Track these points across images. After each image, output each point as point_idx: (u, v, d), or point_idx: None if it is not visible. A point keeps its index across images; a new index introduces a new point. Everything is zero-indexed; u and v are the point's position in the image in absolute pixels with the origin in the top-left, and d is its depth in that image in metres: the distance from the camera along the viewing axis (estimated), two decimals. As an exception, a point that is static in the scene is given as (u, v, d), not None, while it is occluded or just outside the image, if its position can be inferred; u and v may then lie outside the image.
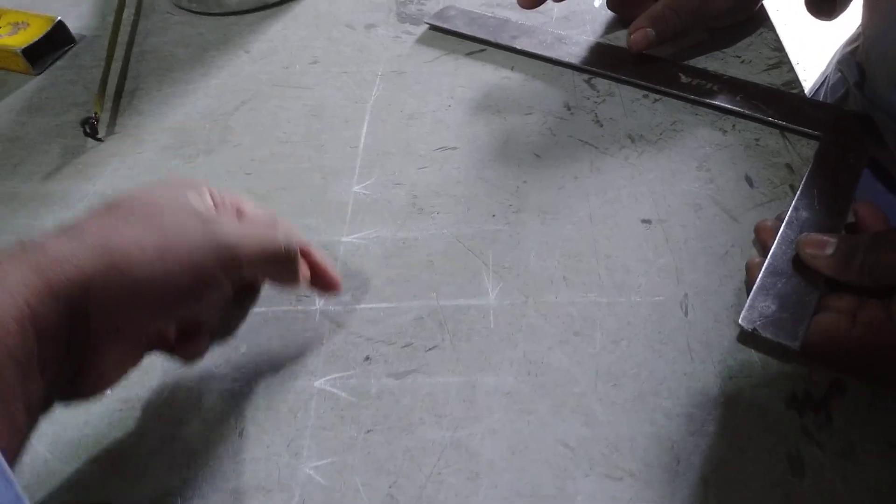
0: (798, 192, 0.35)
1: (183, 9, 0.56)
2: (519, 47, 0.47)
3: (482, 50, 0.48)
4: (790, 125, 0.40)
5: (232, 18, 0.54)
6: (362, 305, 0.35)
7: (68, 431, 0.32)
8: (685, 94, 0.42)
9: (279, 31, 0.52)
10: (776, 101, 0.42)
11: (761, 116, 0.40)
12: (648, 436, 0.28)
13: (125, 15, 0.55)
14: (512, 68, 0.46)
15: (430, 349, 0.32)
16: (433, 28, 0.50)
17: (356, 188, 0.40)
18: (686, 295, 0.33)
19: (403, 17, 0.52)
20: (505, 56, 0.48)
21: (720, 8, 0.44)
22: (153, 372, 0.33)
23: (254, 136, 0.44)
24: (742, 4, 0.46)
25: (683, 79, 0.44)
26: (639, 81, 0.44)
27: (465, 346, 0.32)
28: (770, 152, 0.39)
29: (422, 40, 0.50)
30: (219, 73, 0.49)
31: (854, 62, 0.48)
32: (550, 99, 0.44)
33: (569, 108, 0.43)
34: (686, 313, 0.32)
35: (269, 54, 0.50)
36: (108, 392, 0.32)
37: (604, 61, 0.46)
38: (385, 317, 0.34)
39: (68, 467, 0.31)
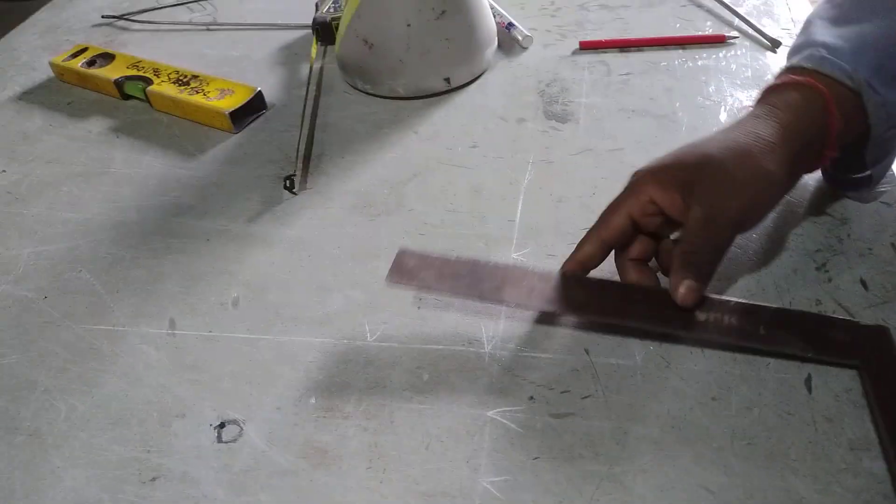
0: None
1: (358, 90, 0.66)
2: (509, 301, 0.41)
3: (621, 149, 0.56)
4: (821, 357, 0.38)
5: (401, 103, 0.64)
6: (525, 353, 0.41)
7: (282, 429, 0.39)
8: (703, 336, 0.39)
9: (442, 117, 0.62)
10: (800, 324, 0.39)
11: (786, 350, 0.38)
12: (779, 489, 0.34)
13: (309, 90, 0.66)
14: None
15: (584, 397, 0.39)
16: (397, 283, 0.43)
17: (514, 255, 0.48)
18: (809, 375, 0.38)
19: (550, 115, 0.60)
20: (640, 154, 0.55)
21: (730, 220, 0.38)
22: (353, 389, 0.40)
23: (425, 204, 0.52)
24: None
25: (699, 315, 0.39)
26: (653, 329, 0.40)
27: (615, 398, 0.38)
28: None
29: (565, 135, 0.58)
30: (392, 149, 0.59)
31: None
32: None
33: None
34: (810, 391, 0.38)
35: (435, 136, 0.60)
36: (311, 401, 0.40)
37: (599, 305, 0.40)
38: (545, 365, 0.40)
39: (282, 459, 0.38)
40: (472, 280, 0.42)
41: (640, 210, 0.40)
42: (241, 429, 0.39)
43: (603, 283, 0.42)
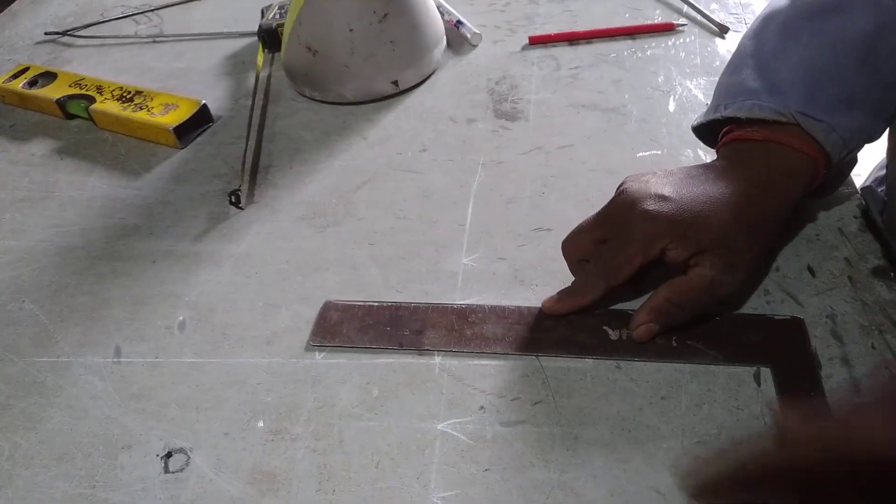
0: None
1: (306, 97, 0.65)
2: (429, 347, 0.41)
3: (571, 145, 0.55)
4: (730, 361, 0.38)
5: (349, 108, 0.63)
6: (475, 362, 0.41)
7: (230, 455, 0.38)
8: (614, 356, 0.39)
9: (392, 121, 0.61)
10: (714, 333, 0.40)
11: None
12: (730, 488, 0.33)
13: (256, 100, 0.65)
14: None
15: (535, 403, 0.38)
16: (319, 347, 0.43)
17: (465, 260, 0.47)
18: (758, 369, 0.38)
19: (499, 114, 0.59)
20: (590, 150, 0.55)
21: (726, 293, 0.38)
22: (301, 409, 0.39)
23: (375, 212, 0.52)
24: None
25: (611, 334, 0.40)
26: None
27: (566, 402, 0.38)
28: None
29: (515, 134, 0.57)
30: (341, 156, 0.58)
31: (878, 194, 0.52)
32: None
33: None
34: (759, 384, 0.37)
35: (384, 141, 0.59)
36: (259, 424, 0.39)
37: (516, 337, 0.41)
38: (496, 372, 0.40)
39: (230, 487, 0.37)
40: (394, 328, 0.43)
41: (648, 260, 0.39)
42: (189, 457, 0.38)
43: (514, 312, 0.42)
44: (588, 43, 0.67)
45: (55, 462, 0.39)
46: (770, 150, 0.40)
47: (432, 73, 0.66)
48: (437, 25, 0.66)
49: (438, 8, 0.69)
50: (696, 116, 0.46)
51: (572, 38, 0.67)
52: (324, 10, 0.59)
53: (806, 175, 0.40)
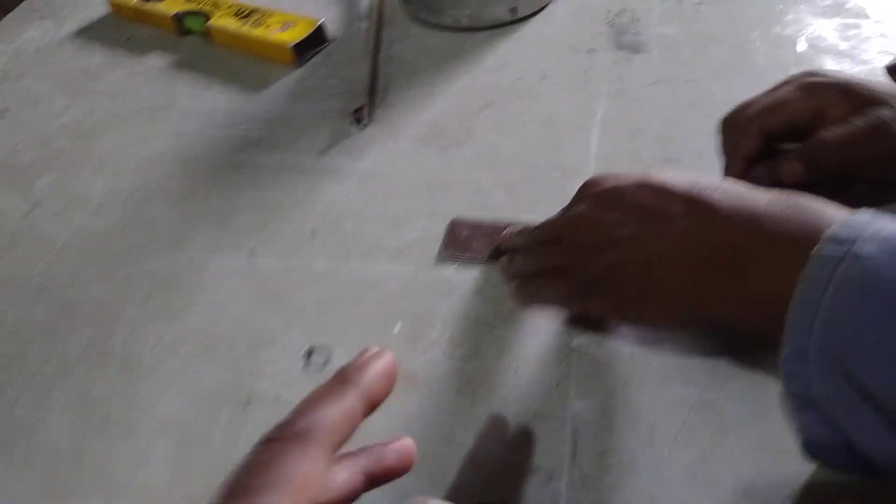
0: None
1: (420, 21, 0.64)
2: None
3: (699, 79, 0.54)
4: None
5: (465, 34, 0.62)
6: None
7: (370, 354, 0.39)
8: None
9: (509, 49, 0.60)
10: None
11: None
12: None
13: (370, 22, 0.64)
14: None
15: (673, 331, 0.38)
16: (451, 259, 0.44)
17: (592, 187, 0.47)
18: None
19: (621, 45, 0.58)
20: (718, 84, 0.53)
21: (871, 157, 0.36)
22: (437, 316, 0.41)
23: (497, 136, 0.52)
24: None
25: None
26: None
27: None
28: None
29: (639, 66, 0.56)
30: (459, 80, 0.58)
31: None
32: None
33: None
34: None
35: (502, 68, 0.58)
36: (396, 328, 0.40)
37: None
38: (630, 295, 0.40)
39: (371, 382, 0.38)
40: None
41: (808, 111, 0.38)
42: (331, 353, 0.40)
43: None
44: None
45: (200, 352, 0.42)
46: None
47: (549, 1, 0.64)
48: (556, -48, 0.64)
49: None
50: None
51: (696, -29, 0.64)
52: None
53: None
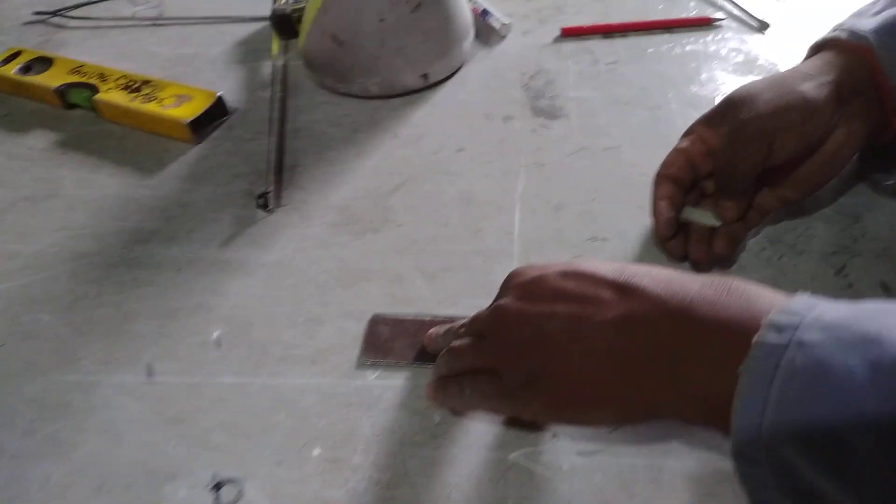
0: None
1: (328, 89, 0.61)
2: None
3: (618, 146, 0.53)
4: None
5: (377, 102, 0.59)
6: (540, 384, 0.38)
7: (286, 487, 0.35)
8: None
9: (423, 118, 0.58)
10: None
11: None
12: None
13: (274, 92, 0.61)
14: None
15: (611, 430, 0.36)
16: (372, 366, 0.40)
17: (517, 272, 0.45)
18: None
19: (538, 111, 0.57)
20: (639, 152, 0.53)
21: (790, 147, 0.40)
22: (359, 436, 0.37)
23: (414, 218, 0.49)
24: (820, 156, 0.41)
25: None
26: None
27: (644, 430, 0.36)
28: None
29: (557, 133, 0.55)
30: (372, 155, 0.55)
31: None
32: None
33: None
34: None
35: (417, 139, 0.56)
36: (314, 452, 0.36)
37: None
38: (564, 396, 0.38)
39: (289, 521, 0.34)
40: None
41: (692, 147, 0.43)
42: (241, 489, 0.36)
43: None
44: (623, 36, 0.64)
45: (93, 493, 0.36)
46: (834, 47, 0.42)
47: (462, 65, 0.63)
48: (467, 15, 0.63)
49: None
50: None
51: (607, 31, 0.64)
52: (358, 8, 0.55)
53: (857, 65, 0.41)
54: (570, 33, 0.64)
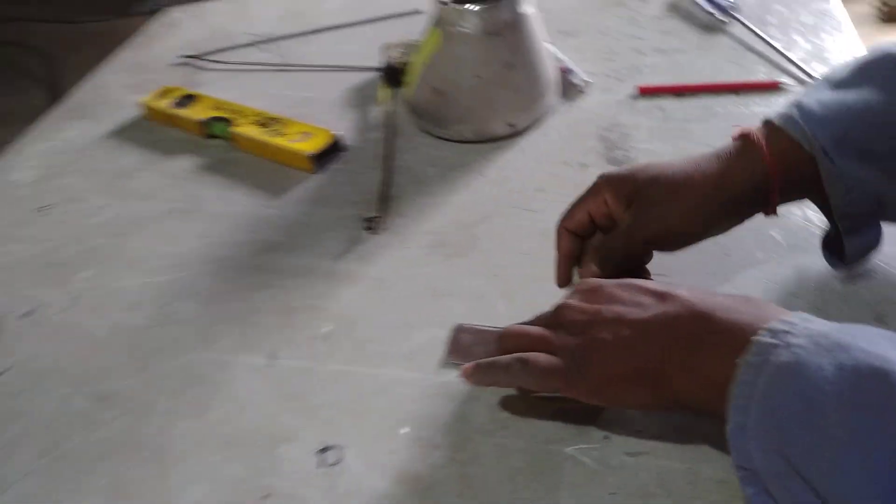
0: None
1: (427, 133, 0.71)
2: None
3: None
4: None
5: (469, 146, 0.68)
6: (597, 393, 0.45)
7: (379, 456, 0.43)
8: None
9: (508, 161, 0.66)
10: None
11: None
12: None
13: (382, 133, 0.71)
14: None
15: (657, 438, 0.42)
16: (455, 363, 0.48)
17: (583, 298, 0.51)
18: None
19: (612, 161, 0.64)
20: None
21: (644, 236, 0.45)
22: (440, 421, 0.45)
23: (497, 246, 0.57)
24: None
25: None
26: None
27: (687, 438, 0.42)
28: None
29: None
30: (462, 191, 0.63)
31: None
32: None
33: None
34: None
35: (502, 180, 0.64)
36: (403, 431, 0.44)
37: None
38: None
39: (380, 484, 0.42)
40: None
41: (596, 208, 0.47)
42: (342, 453, 0.44)
43: None
44: (694, 96, 0.71)
45: (223, 447, 0.45)
46: (744, 139, 0.45)
47: (545, 117, 0.71)
48: (552, 73, 0.71)
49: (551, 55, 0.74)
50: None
51: (679, 91, 0.71)
52: (455, 57, 0.65)
53: (753, 166, 0.44)
54: (645, 92, 0.71)
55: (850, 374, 0.29)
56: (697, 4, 0.84)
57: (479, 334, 0.49)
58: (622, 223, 0.46)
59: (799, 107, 0.45)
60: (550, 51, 0.75)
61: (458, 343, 0.49)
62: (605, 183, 0.47)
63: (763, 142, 0.44)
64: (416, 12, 0.72)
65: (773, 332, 0.33)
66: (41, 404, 0.50)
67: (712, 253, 0.52)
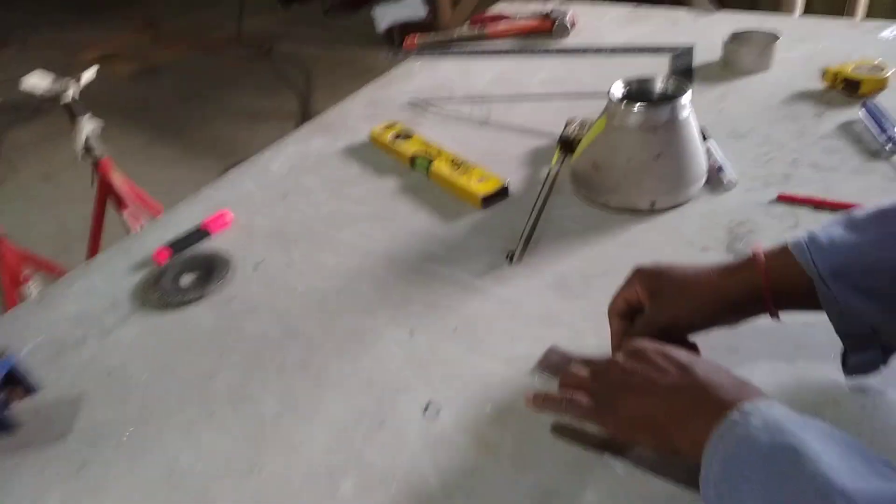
0: None
1: (581, 196, 0.85)
2: None
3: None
4: None
5: (610, 213, 0.81)
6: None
7: (465, 420, 0.58)
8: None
9: (639, 232, 0.78)
10: None
11: None
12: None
13: (543, 189, 0.86)
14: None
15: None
16: (543, 372, 0.62)
17: (662, 352, 0.62)
18: None
19: (731, 250, 0.73)
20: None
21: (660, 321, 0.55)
22: (522, 406, 0.58)
23: (605, 297, 0.68)
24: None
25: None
26: None
27: None
28: None
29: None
30: (593, 248, 0.76)
31: None
32: None
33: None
34: None
35: (629, 246, 0.76)
36: (487, 409, 0.57)
37: None
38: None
39: (462, 439, 0.56)
40: None
41: (630, 296, 0.59)
42: (440, 411, 0.59)
43: None
44: (832, 212, 0.76)
45: (362, 385, 0.63)
46: (752, 258, 0.54)
47: (685, 203, 0.81)
48: (701, 166, 0.81)
49: (709, 150, 0.84)
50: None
51: (818, 205, 0.77)
52: (614, 141, 0.78)
53: (753, 281, 0.53)
54: (784, 199, 0.79)
55: (776, 448, 0.40)
56: (869, 130, 0.88)
57: (564, 357, 0.62)
58: (646, 310, 0.57)
59: (811, 236, 0.52)
60: (708, 148, 0.86)
61: (547, 359, 0.62)
62: (637, 276, 0.59)
63: (765, 260, 0.53)
64: (600, 95, 0.85)
65: (742, 412, 0.43)
66: (251, 327, 0.71)
67: (780, 338, 0.60)
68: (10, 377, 0.60)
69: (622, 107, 0.77)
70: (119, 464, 0.58)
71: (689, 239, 0.76)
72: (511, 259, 0.75)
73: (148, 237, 0.88)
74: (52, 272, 1.68)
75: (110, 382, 0.67)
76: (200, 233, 0.86)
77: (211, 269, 0.79)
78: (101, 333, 0.73)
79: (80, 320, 0.75)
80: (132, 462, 0.58)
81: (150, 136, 3.03)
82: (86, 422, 0.63)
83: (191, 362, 0.68)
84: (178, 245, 0.84)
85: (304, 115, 2.98)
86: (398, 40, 3.34)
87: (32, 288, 1.60)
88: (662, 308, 0.56)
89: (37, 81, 1.50)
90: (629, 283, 0.59)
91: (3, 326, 0.77)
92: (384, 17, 3.39)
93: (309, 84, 3.31)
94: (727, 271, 0.55)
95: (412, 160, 0.96)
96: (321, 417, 0.60)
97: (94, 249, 1.77)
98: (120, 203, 1.65)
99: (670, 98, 0.77)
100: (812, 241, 0.52)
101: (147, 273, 0.81)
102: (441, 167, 0.92)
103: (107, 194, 1.68)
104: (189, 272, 0.80)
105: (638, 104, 0.76)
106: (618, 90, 0.80)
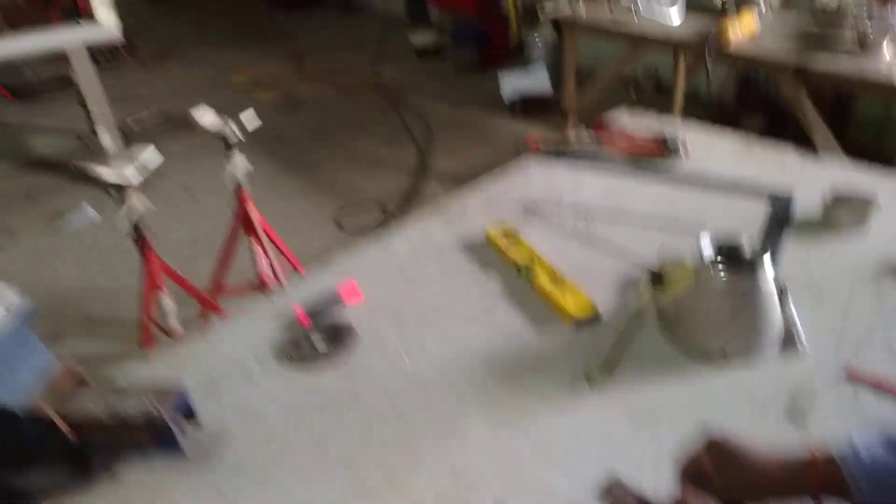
0: None
1: (666, 338, 0.95)
2: None
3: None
4: None
5: (686, 357, 0.91)
6: None
7: (528, 523, 0.69)
8: None
9: (709, 378, 0.87)
10: None
11: None
12: None
13: (631, 320, 0.97)
14: None
15: None
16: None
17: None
18: None
19: (788, 416, 0.81)
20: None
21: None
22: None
23: (667, 433, 0.78)
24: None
25: None
26: None
27: None
28: None
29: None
30: (671, 388, 0.86)
31: None
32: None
33: None
34: None
35: (702, 396, 0.85)
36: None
37: None
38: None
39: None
40: None
41: (704, 464, 0.66)
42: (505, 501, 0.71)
43: None
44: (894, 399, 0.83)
45: (445, 471, 0.76)
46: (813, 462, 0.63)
47: (757, 357, 0.90)
48: (775, 328, 0.90)
49: (789, 314, 0.92)
50: None
51: (883, 389, 0.83)
52: (698, 295, 0.89)
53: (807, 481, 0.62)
54: (854, 378, 0.85)
55: None
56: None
57: (627, 494, 0.72)
58: (713, 481, 0.65)
59: (855, 452, 0.62)
60: (786, 309, 0.94)
61: (611, 492, 0.72)
62: (707, 448, 0.67)
63: (820, 468, 0.63)
64: (696, 227, 0.96)
65: None
66: (365, 397, 0.87)
67: None
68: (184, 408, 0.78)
69: (709, 268, 0.87)
70: (254, 495, 0.74)
71: (754, 398, 0.84)
72: (590, 381, 0.86)
73: (288, 292, 1.06)
74: (183, 286, 1.92)
75: (251, 424, 0.83)
76: (337, 301, 1.03)
77: (341, 337, 0.95)
78: (247, 378, 0.90)
79: (231, 363, 0.93)
80: (264, 493, 0.74)
81: (277, 167, 3.33)
82: (228, 453, 0.79)
83: (314, 419, 0.83)
84: (317, 309, 1.01)
85: (421, 168, 3.19)
86: (520, 108, 3.53)
87: (165, 298, 1.84)
88: (721, 484, 0.65)
89: (204, 115, 1.72)
90: (701, 452, 0.67)
91: (171, 358, 0.96)
92: (510, 85, 3.59)
93: (429, 139, 3.54)
94: (787, 472, 0.64)
95: (518, 269, 1.09)
96: (407, 492, 0.74)
97: (221, 273, 2.01)
98: (250, 231, 1.89)
99: (753, 263, 0.87)
100: (856, 458, 0.62)
101: (287, 327, 0.98)
102: (542, 280, 1.04)
103: (242, 221, 1.92)
104: (322, 335, 0.96)
105: (722, 268, 0.87)
106: (707, 247, 0.91)
